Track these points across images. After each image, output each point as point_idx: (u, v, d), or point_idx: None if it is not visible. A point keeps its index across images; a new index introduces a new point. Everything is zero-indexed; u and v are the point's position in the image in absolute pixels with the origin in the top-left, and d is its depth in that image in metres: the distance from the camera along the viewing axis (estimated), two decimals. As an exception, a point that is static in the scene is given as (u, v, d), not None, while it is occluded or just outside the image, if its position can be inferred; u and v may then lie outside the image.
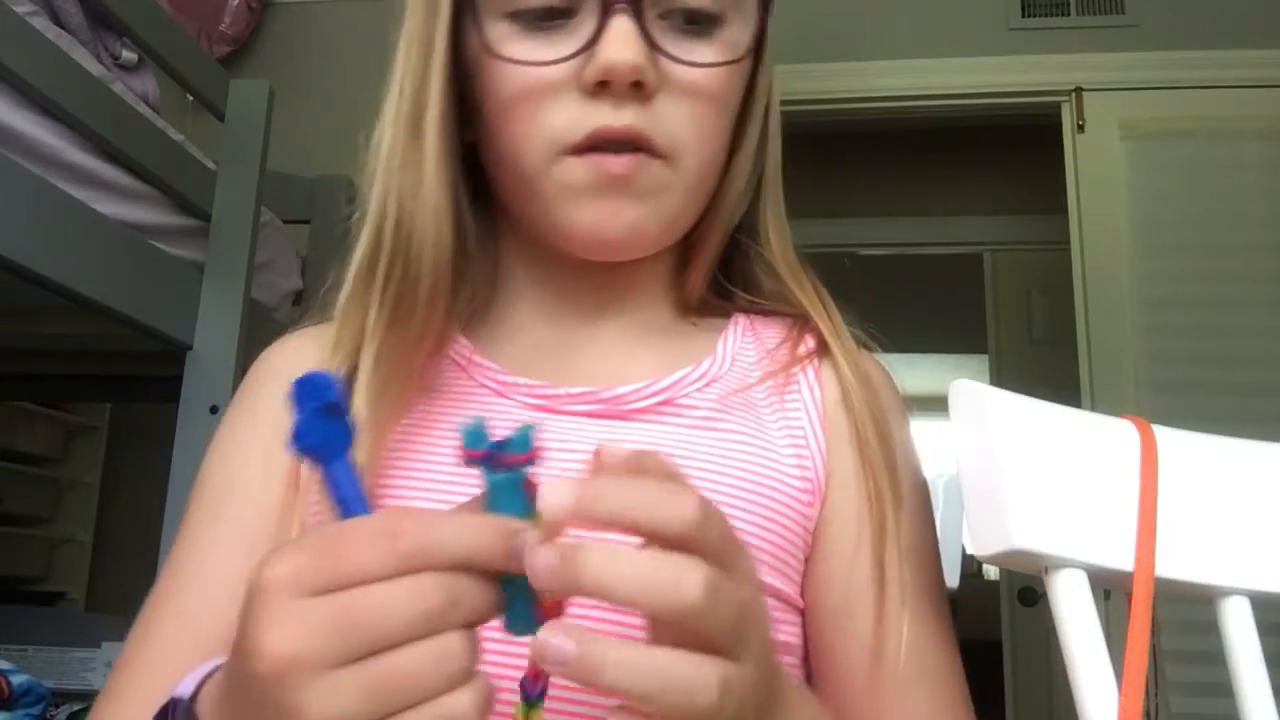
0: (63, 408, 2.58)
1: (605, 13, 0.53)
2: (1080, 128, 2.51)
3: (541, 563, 0.32)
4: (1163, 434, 0.60)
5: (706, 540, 0.34)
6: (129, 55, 1.72)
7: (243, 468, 0.59)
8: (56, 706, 1.95)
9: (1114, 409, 0.75)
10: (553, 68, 0.54)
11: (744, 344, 0.64)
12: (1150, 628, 0.54)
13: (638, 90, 0.54)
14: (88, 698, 1.97)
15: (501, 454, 0.35)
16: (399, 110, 0.59)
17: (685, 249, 0.66)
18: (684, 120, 0.56)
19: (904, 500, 0.57)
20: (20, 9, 1.33)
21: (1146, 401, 2.31)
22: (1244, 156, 2.44)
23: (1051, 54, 2.57)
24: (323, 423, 0.35)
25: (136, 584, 0.61)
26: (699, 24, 0.56)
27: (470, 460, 0.35)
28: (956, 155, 3.40)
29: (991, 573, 4.80)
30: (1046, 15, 2.62)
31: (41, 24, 1.41)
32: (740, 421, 0.59)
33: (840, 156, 3.31)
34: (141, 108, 1.58)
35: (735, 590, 0.34)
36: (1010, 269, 3.44)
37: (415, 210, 0.56)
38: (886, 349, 0.68)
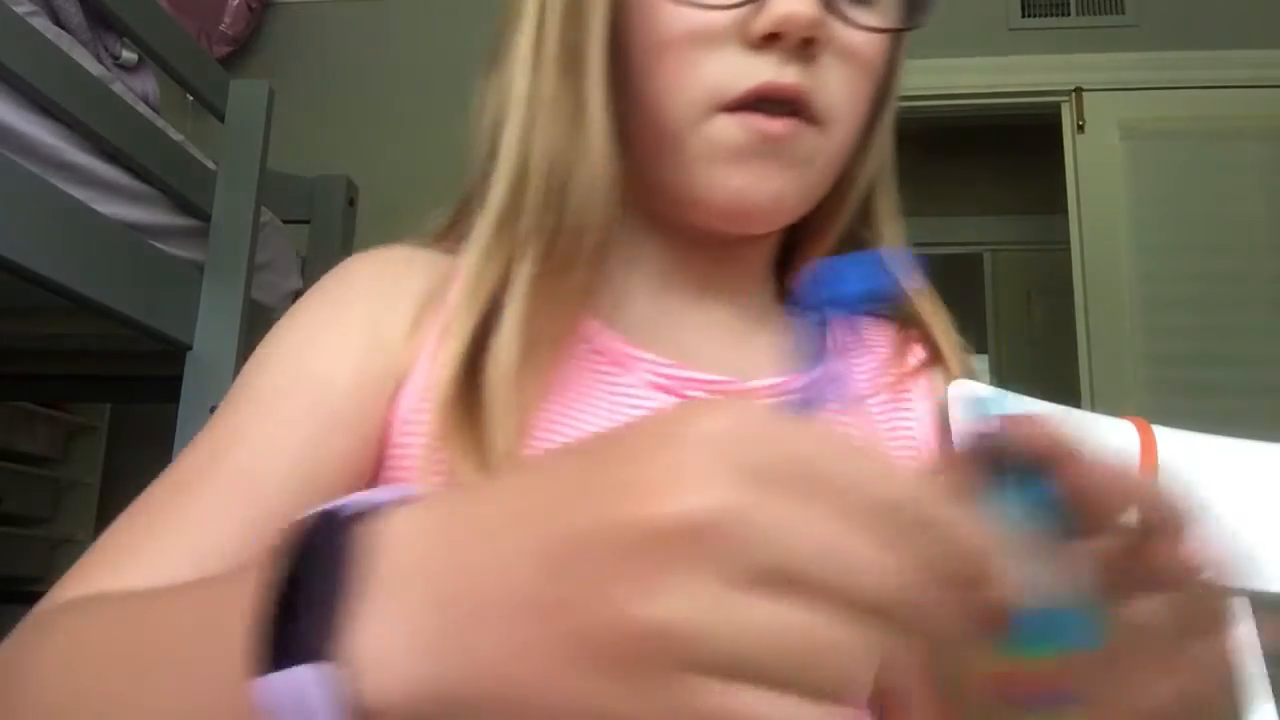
0: (63, 408, 2.58)
1: None
2: (1080, 128, 2.51)
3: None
4: (1162, 434, 0.60)
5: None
6: (129, 55, 1.72)
7: (336, 352, 0.52)
8: (56, 706, 1.95)
9: (1114, 409, 0.75)
10: (718, 14, 0.50)
11: (847, 339, 0.61)
12: (1150, 628, 0.54)
13: (805, 48, 0.50)
14: (88, 698, 1.96)
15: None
16: (543, 50, 0.53)
17: (792, 230, 0.61)
18: (842, 87, 0.52)
19: None
20: (20, 9, 1.33)
21: (1146, 401, 2.31)
22: (1244, 156, 2.44)
23: (1051, 54, 2.57)
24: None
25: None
26: None
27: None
28: (956, 155, 3.40)
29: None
30: (1046, 15, 2.62)
31: (41, 24, 1.41)
32: (859, 426, 0.55)
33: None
34: (141, 108, 1.58)
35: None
36: (1010, 269, 3.44)
37: (575, 159, 0.51)
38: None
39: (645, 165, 0.55)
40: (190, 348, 1.57)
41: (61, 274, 1.28)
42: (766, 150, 0.51)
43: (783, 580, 0.22)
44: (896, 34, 0.56)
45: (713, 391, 0.55)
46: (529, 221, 0.52)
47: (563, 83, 0.52)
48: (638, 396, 0.53)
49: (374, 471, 0.51)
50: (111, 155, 1.44)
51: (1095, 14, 2.60)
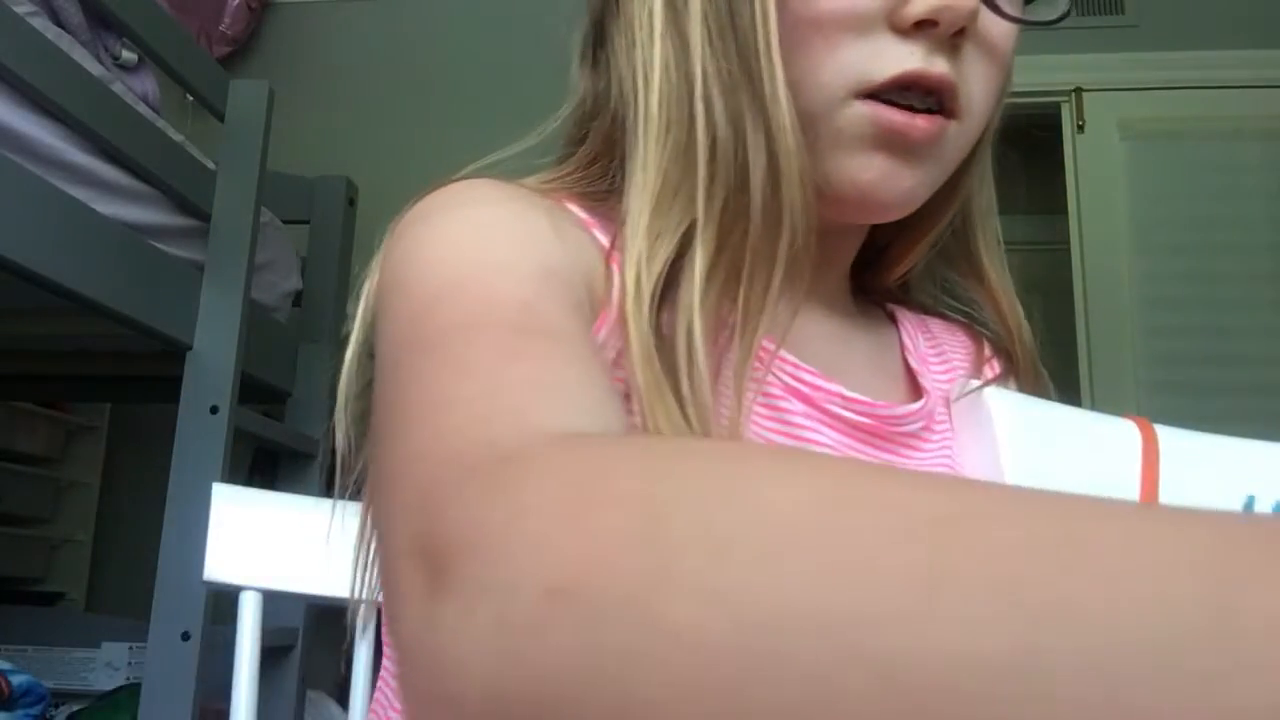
0: (63, 408, 2.58)
1: None
2: (1080, 128, 2.51)
3: None
4: (1164, 433, 0.60)
5: None
6: (129, 55, 1.72)
7: (550, 254, 0.45)
8: (56, 707, 1.95)
9: (1114, 409, 0.75)
10: None
11: (925, 346, 0.60)
12: (1151, 628, 0.54)
13: (956, 38, 0.48)
14: (87, 698, 1.97)
15: None
16: (688, 23, 0.49)
17: (880, 228, 0.58)
18: (982, 79, 0.51)
19: None
20: (20, 9, 1.33)
21: (1146, 401, 2.32)
22: (1244, 156, 2.45)
23: (1051, 54, 2.57)
24: None
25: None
26: None
27: None
28: (956, 155, 3.40)
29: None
30: (1046, 15, 2.62)
31: (41, 24, 1.41)
32: (954, 442, 0.55)
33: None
34: (141, 108, 1.58)
35: None
36: (1010, 270, 3.44)
37: (758, 143, 0.47)
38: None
39: None
40: (190, 348, 1.57)
41: (61, 274, 1.28)
42: (901, 145, 0.49)
43: None
44: (1055, 23, 0.54)
45: (856, 412, 0.52)
46: (704, 196, 0.47)
47: (724, 56, 0.49)
48: (775, 397, 0.51)
49: None
50: (111, 155, 1.44)
51: (1095, 14, 2.60)
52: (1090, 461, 0.59)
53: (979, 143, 0.56)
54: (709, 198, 0.47)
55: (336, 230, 2.15)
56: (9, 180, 1.20)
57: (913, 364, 0.58)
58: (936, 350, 0.60)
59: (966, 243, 0.60)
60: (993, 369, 0.60)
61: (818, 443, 0.50)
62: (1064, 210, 2.51)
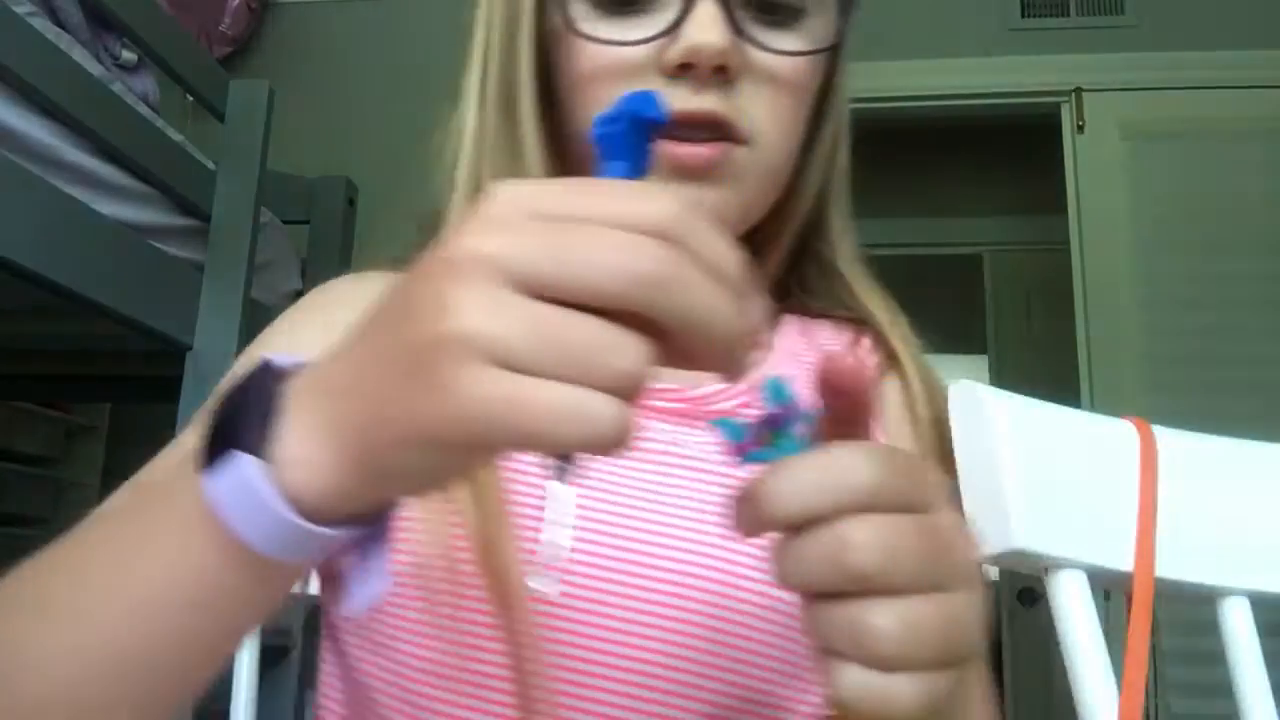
0: (63, 408, 2.58)
1: None
2: (1080, 128, 2.51)
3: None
4: (1162, 434, 0.60)
5: (886, 497, 0.32)
6: (129, 55, 1.72)
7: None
8: (56, 707, 1.95)
9: (1113, 409, 0.75)
10: (634, 49, 0.54)
11: (798, 344, 0.63)
12: (1150, 628, 0.54)
13: (719, 75, 0.53)
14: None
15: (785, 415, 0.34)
16: (486, 90, 0.58)
17: (745, 244, 0.64)
18: (764, 108, 0.55)
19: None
20: (20, 9, 1.33)
21: (1146, 402, 2.31)
22: (1244, 157, 2.45)
23: (1051, 54, 2.57)
24: (636, 132, 0.32)
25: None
26: (781, 14, 0.56)
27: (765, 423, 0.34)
28: (956, 155, 3.40)
29: (991, 573, 4.80)
30: (1046, 16, 2.62)
31: (41, 24, 1.41)
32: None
33: (840, 157, 3.31)
34: (141, 108, 1.58)
35: (916, 540, 0.32)
36: (1010, 269, 3.44)
37: None
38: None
39: None
40: (190, 348, 1.57)
41: (61, 274, 1.28)
42: (688, 173, 0.54)
43: (537, 286, 0.28)
44: (825, 51, 0.58)
45: (666, 399, 0.57)
46: None
47: (502, 119, 0.57)
48: None
49: None
50: (111, 155, 1.44)
51: (1095, 14, 2.60)
52: (1089, 462, 0.59)
53: (810, 159, 0.61)
54: None
55: (336, 230, 2.16)
56: (9, 180, 1.20)
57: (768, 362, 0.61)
58: (810, 349, 0.63)
59: (831, 253, 0.65)
60: (867, 356, 0.62)
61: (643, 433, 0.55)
62: (1064, 210, 2.51)
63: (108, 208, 1.43)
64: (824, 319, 0.65)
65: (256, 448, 0.32)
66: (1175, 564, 0.57)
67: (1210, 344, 2.36)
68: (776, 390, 0.34)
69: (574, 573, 0.51)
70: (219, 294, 1.60)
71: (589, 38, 0.54)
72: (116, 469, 2.66)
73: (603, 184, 0.30)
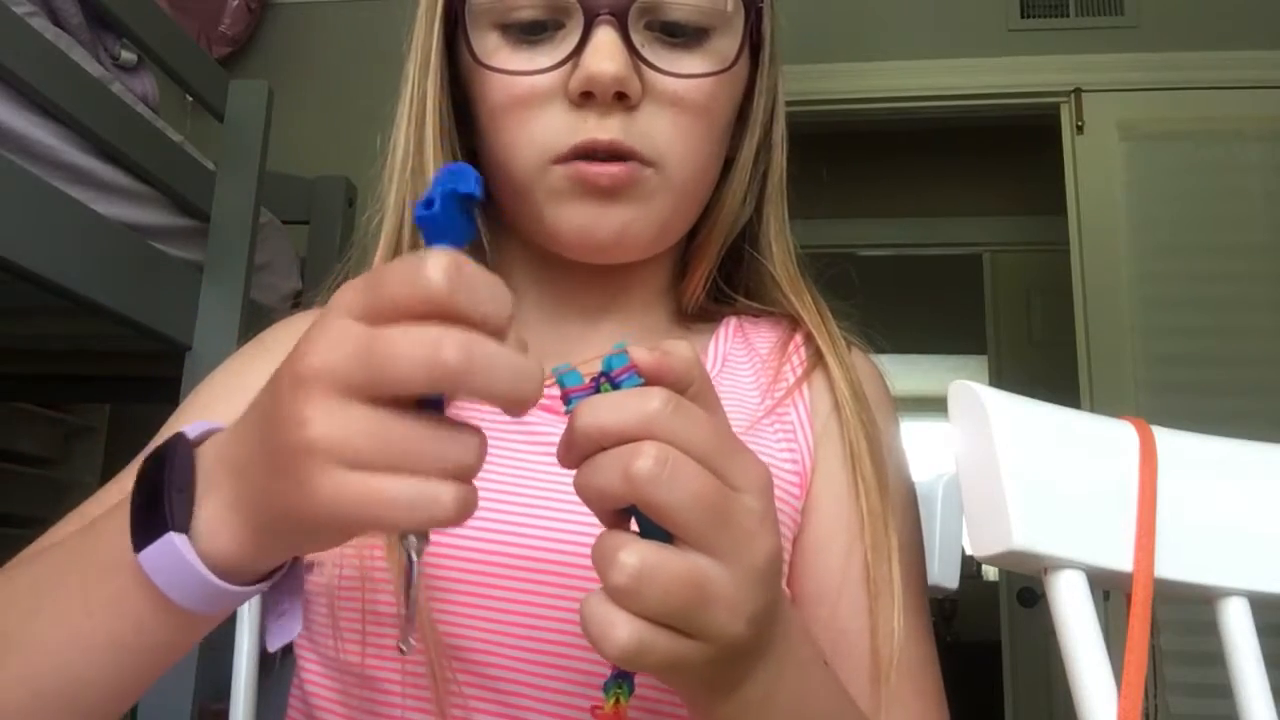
0: (62, 408, 2.58)
1: (589, 24, 0.54)
2: (1079, 129, 2.51)
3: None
4: (1162, 435, 0.60)
5: (682, 435, 0.35)
6: (128, 56, 1.72)
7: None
8: (56, 707, 1.95)
9: (1113, 410, 0.75)
10: (539, 77, 0.56)
11: (734, 346, 0.65)
12: (1150, 628, 0.54)
13: (622, 100, 0.55)
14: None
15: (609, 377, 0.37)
16: (408, 119, 0.61)
17: (684, 255, 0.66)
18: (669, 130, 0.57)
19: (894, 509, 0.58)
20: (20, 9, 1.33)
21: (1146, 402, 2.32)
22: (1243, 157, 2.45)
23: (1051, 55, 2.57)
24: (453, 207, 0.35)
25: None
26: (684, 36, 0.57)
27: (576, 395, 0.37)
28: (956, 155, 3.40)
29: (991, 573, 4.80)
30: (1046, 16, 2.62)
31: (41, 24, 1.41)
32: (733, 420, 0.59)
33: (840, 157, 3.31)
34: (141, 108, 1.58)
35: (697, 478, 0.35)
36: (1010, 270, 3.44)
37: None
38: (885, 350, 0.68)
39: (510, 211, 0.61)
40: (189, 348, 1.57)
41: (61, 274, 1.28)
42: (600, 193, 0.56)
43: (366, 390, 0.32)
44: (742, 68, 0.60)
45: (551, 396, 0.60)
46: None
47: (418, 149, 0.60)
48: (526, 419, 0.57)
49: None
50: (111, 156, 1.44)
51: (1094, 15, 2.60)
52: (1089, 463, 0.59)
53: (729, 175, 0.63)
54: None
55: (336, 230, 2.16)
56: (9, 180, 1.20)
57: (708, 356, 0.64)
58: (745, 347, 0.65)
59: (766, 257, 0.66)
60: (798, 348, 0.64)
61: (539, 429, 0.57)
62: (1064, 210, 2.51)
63: (108, 208, 1.43)
64: (765, 317, 0.67)
65: (178, 520, 0.36)
66: (1175, 564, 0.57)
67: (1210, 344, 2.36)
68: (616, 358, 0.37)
69: (482, 566, 0.53)
70: (219, 294, 1.60)
71: (494, 69, 0.57)
72: (116, 469, 2.65)
73: (387, 271, 0.33)
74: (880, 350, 0.68)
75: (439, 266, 0.32)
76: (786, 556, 0.58)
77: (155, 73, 1.75)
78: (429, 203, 0.34)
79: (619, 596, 0.34)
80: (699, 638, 0.35)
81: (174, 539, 0.36)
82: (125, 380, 2.14)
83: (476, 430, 0.34)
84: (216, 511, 0.37)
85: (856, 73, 2.60)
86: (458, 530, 0.53)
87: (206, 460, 0.38)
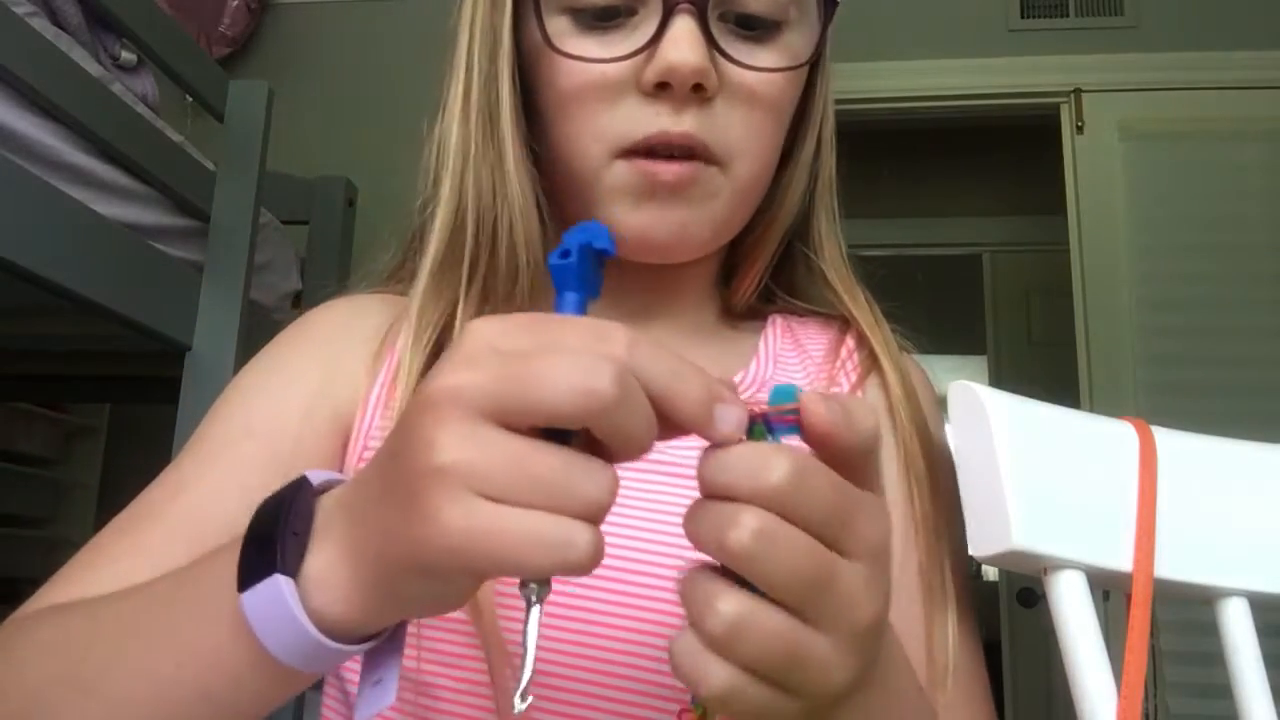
0: (62, 409, 2.58)
1: (668, 13, 0.52)
2: (1079, 129, 2.51)
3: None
4: (1161, 435, 0.60)
5: (795, 503, 0.32)
6: (128, 56, 1.72)
7: (284, 400, 0.57)
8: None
9: (1113, 410, 0.75)
10: (613, 66, 0.54)
11: (783, 345, 0.64)
12: (1149, 629, 0.54)
13: (698, 93, 0.53)
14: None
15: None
16: (470, 105, 0.58)
17: (733, 251, 0.65)
18: (741, 126, 0.55)
19: (947, 512, 0.57)
20: (20, 9, 1.33)
21: (1145, 402, 2.32)
22: (1243, 158, 2.45)
23: (1050, 55, 2.57)
24: (587, 261, 0.35)
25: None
26: (759, 29, 0.56)
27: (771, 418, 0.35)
28: (956, 156, 3.40)
29: (991, 574, 4.80)
30: (1046, 16, 2.62)
31: (41, 24, 1.40)
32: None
33: (840, 157, 3.31)
34: (141, 109, 1.58)
35: (797, 553, 0.32)
36: (1009, 270, 3.44)
37: (501, 209, 0.56)
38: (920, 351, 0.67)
39: (565, 204, 0.59)
40: (189, 348, 1.57)
41: (61, 274, 1.28)
42: (664, 192, 0.55)
43: (506, 415, 0.31)
44: (804, 66, 0.58)
45: None
46: (466, 267, 0.57)
47: (485, 134, 0.57)
48: None
49: None
50: (111, 156, 1.44)
51: (1094, 15, 2.60)
52: (1089, 463, 0.59)
53: (788, 173, 0.62)
54: (472, 264, 0.56)
55: (336, 231, 2.15)
56: (9, 180, 1.20)
57: (756, 366, 0.62)
58: (795, 347, 0.64)
59: (815, 258, 0.65)
60: (850, 351, 0.63)
61: None
62: (1064, 211, 2.51)
63: (108, 208, 1.42)
64: (811, 317, 0.66)
65: (289, 564, 0.34)
66: (1174, 564, 0.57)
67: (1210, 344, 2.36)
68: (782, 394, 0.34)
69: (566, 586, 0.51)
70: (218, 294, 1.60)
71: (567, 55, 0.54)
72: (116, 469, 2.66)
73: (562, 321, 0.33)
74: (917, 352, 0.67)
75: (619, 328, 0.31)
76: None
77: (155, 73, 1.75)
78: (564, 253, 0.34)
79: (714, 644, 0.32)
80: (792, 693, 0.33)
81: (280, 581, 0.34)
82: (125, 380, 2.14)
83: (610, 467, 0.31)
84: (329, 560, 0.34)
85: (856, 73, 2.60)
86: None
87: (326, 506, 0.36)
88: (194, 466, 0.55)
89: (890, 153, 3.43)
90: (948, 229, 3.57)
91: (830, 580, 0.33)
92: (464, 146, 0.58)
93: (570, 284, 0.34)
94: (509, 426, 0.31)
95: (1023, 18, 2.63)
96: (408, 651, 0.51)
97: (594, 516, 0.31)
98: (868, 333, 0.62)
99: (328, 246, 2.14)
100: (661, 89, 0.53)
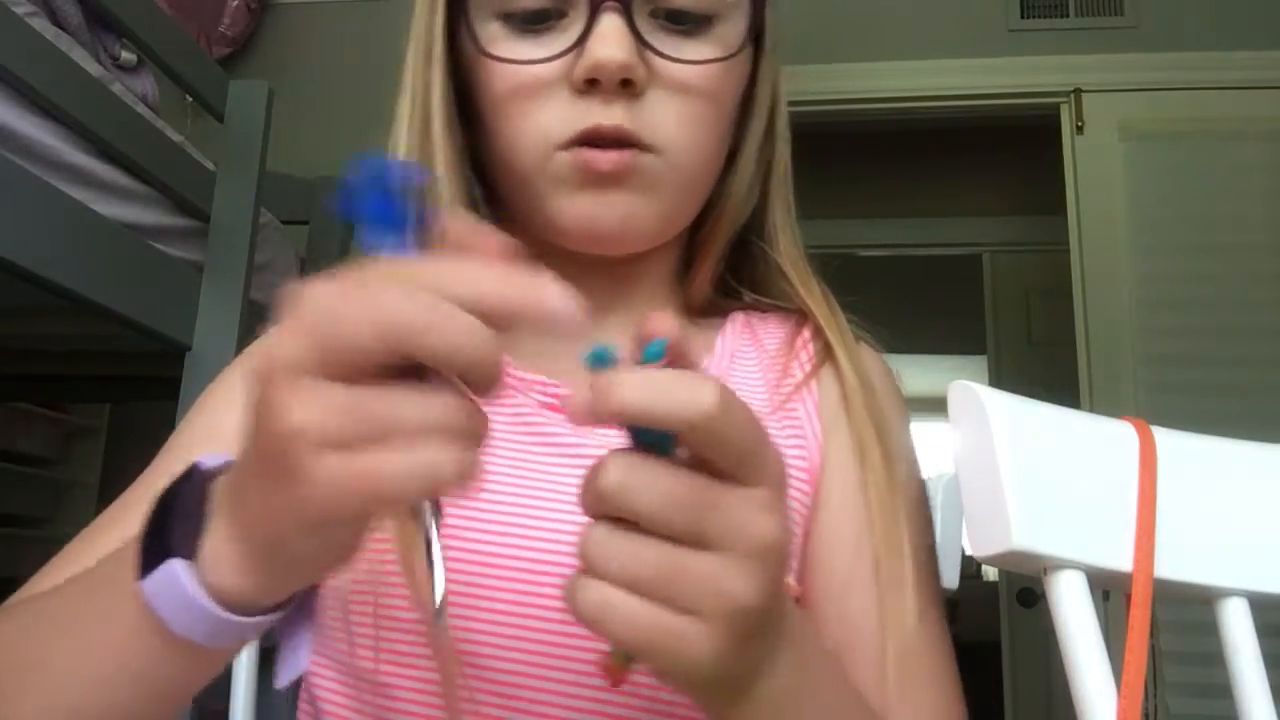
0: (62, 408, 2.58)
1: (594, 11, 0.54)
2: (1079, 129, 2.51)
3: (579, 396, 0.33)
4: (1161, 435, 0.60)
5: (722, 435, 0.34)
6: (128, 56, 1.72)
7: (212, 433, 0.60)
8: (56, 707, 1.95)
9: (1113, 410, 0.75)
10: (543, 66, 0.55)
11: (741, 341, 0.65)
12: (1149, 629, 0.54)
13: (627, 88, 0.55)
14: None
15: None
16: (410, 112, 0.61)
17: (690, 249, 0.66)
18: (675, 117, 0.56)
19: (905, 502, 0.57)
20: (20, 9, 1.33)
21: (1145, 402, 2.32)
22: (1243, 158, 2.45)
23: (1050, 55, 2.58)
24: (379, 197, 0.35)
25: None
26: (690, 23, 0.57)
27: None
28: (956, 156, 3.40)
29: (990, 574, 4.80)
30: (1046, 16, 2.62)
31: (41, 24, 1.41)
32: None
33: (840, 157, 3.31)
34: (141, 109, 1.58)
35: (748, 414, 0.34)
36: (1009, 270, 3.44)
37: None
38: (885, 350, 0.68)
39: (513, 204, 0.61)
40: (189, 348, 1.57)
41: (61, 274, 1.28)
42: (604, 180, 0.56)
43: (330, 368, 0.32)
44: (746, 56, 0.60)
45: (552, 394, 0.58)
46: None
47: (423, 144, 0.60)
48: (529, 416, 0.58)
49: None
50: (111, 156, 1.44)
51: (1094, 15, 2.60)
52: (1088, 463, 0.59)
53: (731, 169, 0.62)
54: None
55: (336, 230, 2.16)
56: (9, 180, 1.20)
57: (708, 360, 0.63)
58: (753, 342, 0.65)
59: (770, 251, 0.66)
60: (806, 343, 0.64)
61: (547, 429, 0.57)
62: (1064, 211, 2.51)
63: (108, 208, 1.43)
64: (772, 312, 0.67)
65: (184, 549, 0.36)
66: (1174, 564, 0.57)
67: (1209, 345, 2.36)
68: (600, 357, 0.35)
69: (492, 569, 0.52)
70: (218, 294, 1.60)
71: (497, 58, 0.56)
72: (116, 469, 2.66)
73: (373, 266, 0.34)
74: (880, 350, 0.68)
75: (425, 263, 0.33)
76: (797, 553, 0.57)
77: (155, 73, 1.75)
78: (350, 195, 0.34)
79: (586, 566, 0.34)
80: (684, 612, 0.34)
81: (174, 565, 0.36)
82: (125, 380, 2.14)
83: (464, 394, 0.33)
84: (222, 537, 0.36)
85: (857, 73, 2.60)
86: (467, 534, 0.53)
87: (217, 488, 0.37)
88: (144, 488, 0.59)
89: (890, 153, 3.44)
90: (948, 229, 3.57)
91: (711, 504, 0.34)
92: (407, 154, 0.60)
93: (367, 218, 0.35)
94: (345, 377, 0.32)
95: (1023, 18, 2.63)
96: (366, 654, 0.53)
97: (457, 439, 0.32)
98: (822, 324, 0.63)
99: (328, 246, 2.14)
100: (591, 85, 0.55)
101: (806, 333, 0.64)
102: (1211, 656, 0.59)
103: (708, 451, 0.34)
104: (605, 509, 0.34)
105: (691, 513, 0.34)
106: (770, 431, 0.58)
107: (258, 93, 1.73)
